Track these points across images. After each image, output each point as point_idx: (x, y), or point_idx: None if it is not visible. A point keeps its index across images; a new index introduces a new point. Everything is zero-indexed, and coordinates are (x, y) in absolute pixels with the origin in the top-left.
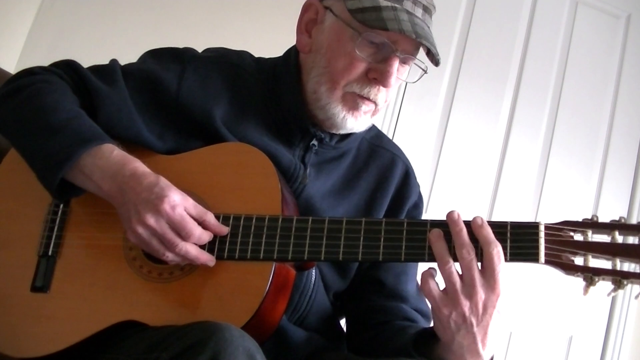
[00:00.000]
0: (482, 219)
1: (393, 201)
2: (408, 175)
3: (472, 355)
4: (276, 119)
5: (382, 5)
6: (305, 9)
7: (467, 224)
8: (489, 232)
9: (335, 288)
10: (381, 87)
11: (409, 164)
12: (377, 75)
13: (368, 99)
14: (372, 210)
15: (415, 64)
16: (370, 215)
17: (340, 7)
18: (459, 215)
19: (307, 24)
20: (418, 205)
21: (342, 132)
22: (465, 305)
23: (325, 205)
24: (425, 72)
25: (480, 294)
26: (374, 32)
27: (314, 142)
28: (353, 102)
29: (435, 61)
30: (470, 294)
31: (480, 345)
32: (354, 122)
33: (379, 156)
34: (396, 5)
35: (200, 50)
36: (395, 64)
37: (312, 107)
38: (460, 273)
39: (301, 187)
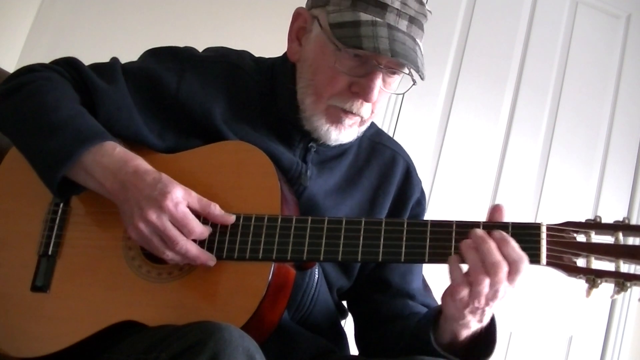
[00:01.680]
0: (501, 233)
1: (396, 199)
2: (409, 173)
3: (476, 322)
4: (275, 120)
5: (362, 20)
6: (295, 17)
7: (476, 225)
8: (514, 248)
9: (338, 285)
10: (364, 102)
11: (410, 160)
12: (359, 90)
13: (351, 112)
14: (374, 208)
15: (404, 72)
16: (373, 213)
17: (324, 19)
18: (484, 232)
19: (297, 32)
20: (421, 202)
21: (329, 143)
22: (483, 300)
23: (329, 203)
24: (414, 83)
25: (502, 295)
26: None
27: (312, 143)
28: (336, 115)
29: (420, 76)
30: (494, 296)
31: (485, 316)
32: (338, 135)
33: (379, 154)
34: (377, 19)
35: (200, 50)
36: (378, 78)
37: (300, 116)
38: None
39: (303, 186)
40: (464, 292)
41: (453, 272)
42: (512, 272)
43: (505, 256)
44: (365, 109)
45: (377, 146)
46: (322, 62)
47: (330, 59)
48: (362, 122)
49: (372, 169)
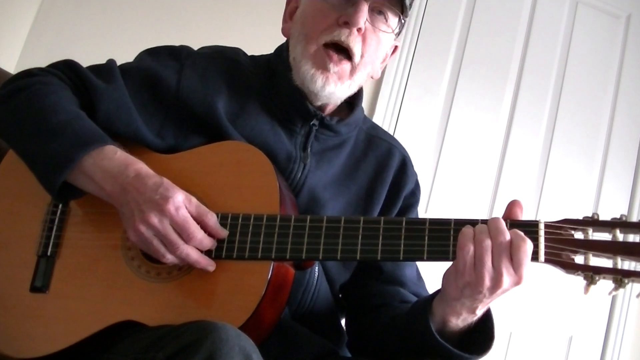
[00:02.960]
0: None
1: (390, 190)
2: (405, 164)
3: (469, 312)
4: (276, 109)
5: None
6: (287, 1)
7: (474, 223)
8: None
9: (341, 281)
10: (353, 29)
11: (406, 153)
12: (346, 18)
13: (341, 44)
14: (372, 199)
15: (388, 10)
16: (371, 204)
17: None
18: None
19: (290, 13)
20: (415, 193)
21: (319, 95)
22: (486, 287)
23: (328, 195)
24: (403, 22)
25: (505, 287)
26: None
27: (315, 122)
28: (322, 60)
29: (402, 6)
30: (495, 287)
31: (480, 306)
32: (324, 82)
33: (376, 146)
34: None
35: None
36: (363, 5)
37: (294, 76)
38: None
39: (303, 178)
40: (469, 267)
41: (464, 246)
42: (516, 242)
43: (512, 255)
44: (354, 40)
45: (373, 139)
46: (310, 7)
47: (317, 3)
48: (352, 70)
49: (369, 162)
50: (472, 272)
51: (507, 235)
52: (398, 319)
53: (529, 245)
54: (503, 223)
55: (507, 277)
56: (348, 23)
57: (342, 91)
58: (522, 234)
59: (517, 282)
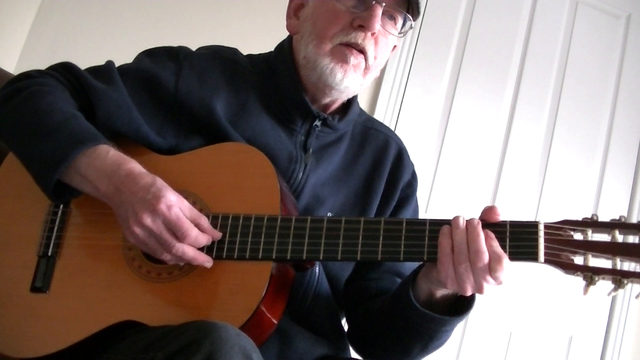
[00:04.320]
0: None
1: (388, 182)
2: (401, 156)
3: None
4: (276, 108)
5: None
6: None
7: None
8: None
9: (344, 277)
10: (368, 33)
11: (402, 144)
12: (362, 22)
13: (356, 46)
14: (370, 193)
15: (399, 14)
16: (369, 198)
17: None
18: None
19: (294, 10)
20: (411, 184)
21: (336, 89)
22: (467, 292)
23: (327, 192)
24: (412, 26)
25: (485, 292)
26: None
27: (317, 123)
28: (341, 53)
29: (413, 10)
30: (477, 292)
31: None
32: (344, 75)
33: (373, 138)
34: None
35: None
36: (378, 9)
37: (305, 74)
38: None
39: (305, 177)
40: (451, 280)
41: (443, 241)
42: (493, 266)
43: (488, 247)
44: (369, 43)
45: (369, 131)
46: (322, 8)
47: (329, 3)
48: (366, 67)
49: (367, 155)
50: (455, 283)
51: (486, 258)
52: (387, 299)
53: (505, 266)
54: (483, 243)
55: (487, 286)
56: (363, 26)
57: (356, 86)
58: (499, 252)
59: (498, 285)
